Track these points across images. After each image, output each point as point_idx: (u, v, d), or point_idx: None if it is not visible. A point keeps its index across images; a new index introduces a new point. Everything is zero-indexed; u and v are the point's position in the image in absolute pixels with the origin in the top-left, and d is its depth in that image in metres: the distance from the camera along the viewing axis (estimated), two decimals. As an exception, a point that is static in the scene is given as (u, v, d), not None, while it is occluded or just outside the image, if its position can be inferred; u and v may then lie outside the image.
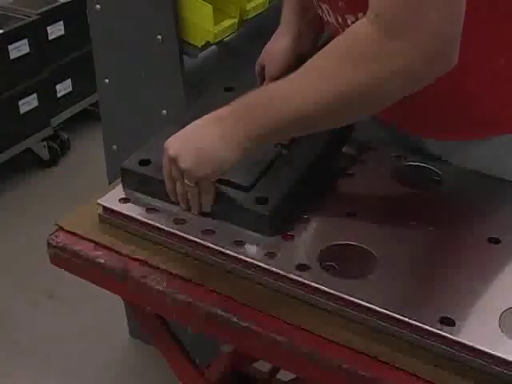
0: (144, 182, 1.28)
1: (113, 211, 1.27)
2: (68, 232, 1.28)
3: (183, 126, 1.20)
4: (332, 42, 1.10)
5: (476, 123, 1.32)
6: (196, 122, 1.18)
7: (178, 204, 1.24)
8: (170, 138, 1.19)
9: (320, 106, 1.08)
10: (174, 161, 1.17)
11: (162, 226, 1.22)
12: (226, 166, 1.16)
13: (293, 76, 1.12)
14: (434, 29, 1.01)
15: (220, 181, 1.22)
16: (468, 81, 1.26)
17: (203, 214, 1.23)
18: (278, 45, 1.47)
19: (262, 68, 1.50)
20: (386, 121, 1.41)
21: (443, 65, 1.05)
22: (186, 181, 1.18)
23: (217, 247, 1.18)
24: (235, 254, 1.16)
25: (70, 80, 3.61)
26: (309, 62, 1.12)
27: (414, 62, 1.02)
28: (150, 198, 1.28)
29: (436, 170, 1.36)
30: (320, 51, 1.11)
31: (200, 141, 1.16)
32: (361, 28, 1.06)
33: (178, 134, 1.19)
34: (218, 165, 1.16)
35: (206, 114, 1.19)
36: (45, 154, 3.56)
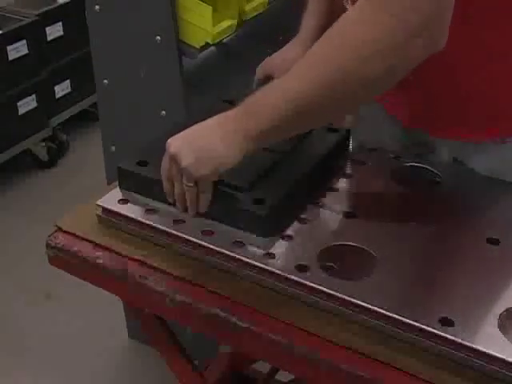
0: (142, 182, 1.28)
1: (112, 212, 1.27)
2: (67, 233, 1.28)
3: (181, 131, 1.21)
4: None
5: (487, 123, 1.32)
6: (199, 123, 1.19)
7: (175, 205, 1.24)
8: (172, 137, 1.19)
9: (312, 94, 1.08)
10: (174, 159, 1.17)
11: (162, 227, 1.22)
12: (225, 166, 1.16)
13: (288, 72, 1.12)
14: (421, 7, 1.01)
15: (218, 182, 1.22)
16: (480, 80, 1.26)
17: (200, 215, 1.23)
18: (293, 54, 1.46)
19: (267, 78, 1.49)
20: (401, 122, 1.42)
21: (428, 45, 1.05)
22: (184, 180, 1.19)
23: (216, 248, 1.18)
24: (235, 255, 1.16)
25: (68, 81, 3.62)
26: (304, 55, 1.12)
27: (399, 38, 1.02)
28: (147, 198, 1.28)
29: (435, 170, 1.36)
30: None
31: (201, 141, 1.16)
32: (354, 8, 1.07)
33: (180, 133, 1.20)
34: (218, 165, 1.16)
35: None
36: (44, 154, 3.56)
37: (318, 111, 1.12)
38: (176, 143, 1.18)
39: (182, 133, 1.20)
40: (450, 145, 1.39)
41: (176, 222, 1.23)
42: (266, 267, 1.14)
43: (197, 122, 1.21)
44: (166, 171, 1.21)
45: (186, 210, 1.23)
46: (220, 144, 1.14)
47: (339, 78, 1.06)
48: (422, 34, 1.03)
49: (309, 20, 1.49)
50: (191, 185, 1.19)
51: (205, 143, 1.16)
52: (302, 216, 1.25)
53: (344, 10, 1.36)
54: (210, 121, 1.18)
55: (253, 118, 1.13)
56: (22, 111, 3.36)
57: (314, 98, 1.08)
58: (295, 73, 1.11)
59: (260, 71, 1.52)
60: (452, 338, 1.01)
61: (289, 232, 1.21)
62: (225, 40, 2.05)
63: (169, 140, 1.19)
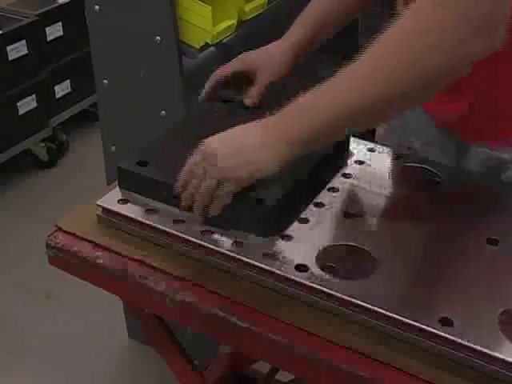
0: (142, 182, 1.28)
1: (112, 212, 1.27)
2: (67, 233, 1.28)
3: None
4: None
5: (487, 124, 1.32)
6: (240, 126, 1.16)
7: (177, 204, 1.23)
8: (209, 138, 1.16)
9: (367, 94, 1.07)
10: (208, 158, 1.14)
11: (161, 227, 1.22)
12: (262, 173, 1.14)
13: (338, 75, 1.10)
14: (483, 5, 1.01)
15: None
16: (480, 80, 1.27)
17: (201, 216, 1.22)
18: (276, 47, 1.46)
19: (243, 73, 1.47)
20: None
21: (487, 43, 1.04)
22: (207, 181, 1.15)
23: (216, 248, 1.18)
24: (234, 255, 1.16)
25: (68, 81, 3.62)
26: (360, 54, 1.09)
27: (459, 36, 1.02)
28: (147, 198, 1.28)
29: (435, 171, 1.36)
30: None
31: (241, 144, 1.14)
32: (413, 5, 1.06)
33: (217, 135, 1.17)
34: (254, 171, 1.13)
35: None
36: (43, 154, 3.56)
37: (372, 112, 1.10)
38: (213, 144, 1.15)
39: (219, 134, 1.17)
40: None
41: (176, 221, 1.23)
42: (266, 267, 1.14)
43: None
44: (191, 168, 1.17)
45: (189, 209, 1.21)
46: (259, 149, 1.12)
47: (396, 77, 1.05)
48: (483, 32, 1.02)
49: (300, 25, 1.48)
50: (212, 186, 1.15)
51: (244, 147, 1.13)
52: (302, 216, 1.25)
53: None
54: (251, 125, 1.15)
55: (297, 123, 1.11)
56: (21, 111, 3.36)
57: (369, 100, 1.07)
58: (349, 74, 1.09)
59: (237, 64, 1.47)
60: (452, 338, 1.01)
61: (289, 232, 1.21)
62: (224, 40, 2.05)
63: (206, 140, 1.16)
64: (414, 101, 1.15)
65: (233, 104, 1.45)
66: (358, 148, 1.43)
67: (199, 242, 1.19)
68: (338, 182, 1.34)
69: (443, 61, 1.04)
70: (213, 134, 1.17)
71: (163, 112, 2.03)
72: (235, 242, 1.18)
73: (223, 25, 1.97)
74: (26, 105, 3.38)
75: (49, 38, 3.46)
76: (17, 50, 3.26)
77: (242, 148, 1.14)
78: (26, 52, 3.30)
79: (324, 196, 1.30)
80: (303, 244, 1.19)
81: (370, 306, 1.06)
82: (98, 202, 1.28)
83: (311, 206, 1.27)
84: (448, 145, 1.45)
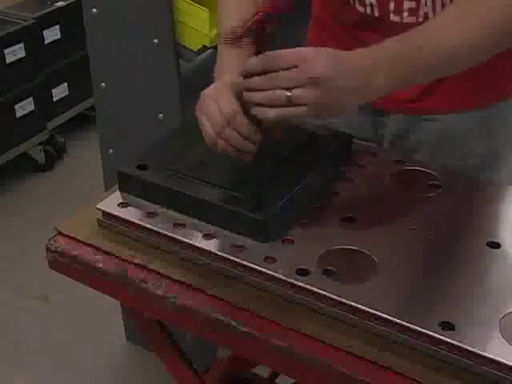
0: (142, 186, 1.28)
1: (112, 216, 1.27)
2: (67, 237, 1.28)
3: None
4: None
5: None
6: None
7: (178, 208, 1.23)
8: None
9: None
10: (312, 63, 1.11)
11: (162, 231, 1.22)
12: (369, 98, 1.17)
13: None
14: None
15: (219, 187, 1.23)
16: None
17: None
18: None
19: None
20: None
21: None
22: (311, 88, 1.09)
23: (217, 252, 1.17)
24: (235, 259, 1.16)
25: (66, 84, 3.62)
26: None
27: None
28: (148, 202, 1.28)
29: (436, 174, 1.36)
30: None
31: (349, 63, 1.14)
32: None
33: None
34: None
35: None
36: (41, 158, 3.56)
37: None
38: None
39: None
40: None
41: (176, 225, 1.23)
42: (267, 271, 1.13)
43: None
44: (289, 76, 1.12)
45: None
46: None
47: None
48: None
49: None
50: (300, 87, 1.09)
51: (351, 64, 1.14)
52: (303, 220, 1.24)
53: None
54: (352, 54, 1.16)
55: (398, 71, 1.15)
56: (19, 114, 3.36)
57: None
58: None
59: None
60: (453, 342, 1.00)
61: (289, 236, 1.21)
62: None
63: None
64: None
65: None
66: (359, 151, 1.43)
67: (199, 245, 1.19)
68: (339, 185, 1.34)
69: None
70: None
71: (161, 115, 2.03)
72: (236, 246, 1.18)
73: (221, 28, 1.97)
74: (24, 108, 3.38)
75: (46, 41, 3.46)
76: (14, 53, 3.26)
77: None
78: (24, 55, 3.31)
79: (325, 199, 1.30)
80: (304, 248, 1.19)
81: (370, 310, 1.06)
82: (99, 206, 1.28)
83: (312, 210, 1.27)
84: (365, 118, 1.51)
